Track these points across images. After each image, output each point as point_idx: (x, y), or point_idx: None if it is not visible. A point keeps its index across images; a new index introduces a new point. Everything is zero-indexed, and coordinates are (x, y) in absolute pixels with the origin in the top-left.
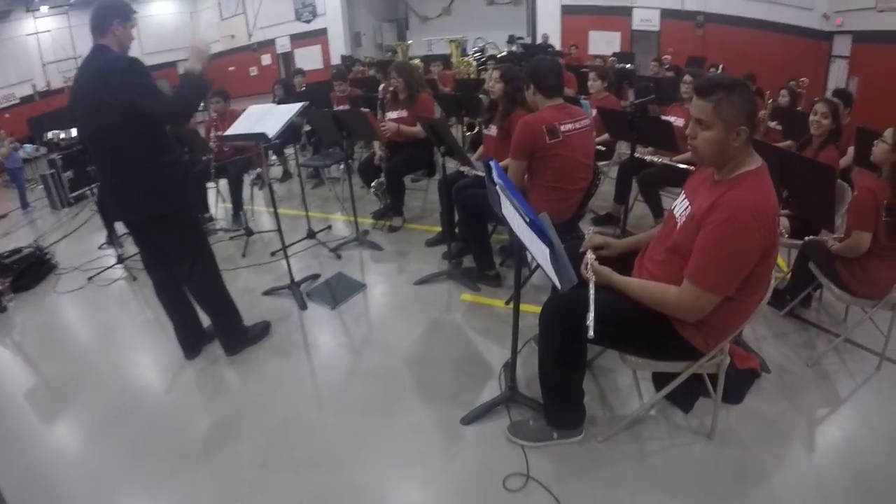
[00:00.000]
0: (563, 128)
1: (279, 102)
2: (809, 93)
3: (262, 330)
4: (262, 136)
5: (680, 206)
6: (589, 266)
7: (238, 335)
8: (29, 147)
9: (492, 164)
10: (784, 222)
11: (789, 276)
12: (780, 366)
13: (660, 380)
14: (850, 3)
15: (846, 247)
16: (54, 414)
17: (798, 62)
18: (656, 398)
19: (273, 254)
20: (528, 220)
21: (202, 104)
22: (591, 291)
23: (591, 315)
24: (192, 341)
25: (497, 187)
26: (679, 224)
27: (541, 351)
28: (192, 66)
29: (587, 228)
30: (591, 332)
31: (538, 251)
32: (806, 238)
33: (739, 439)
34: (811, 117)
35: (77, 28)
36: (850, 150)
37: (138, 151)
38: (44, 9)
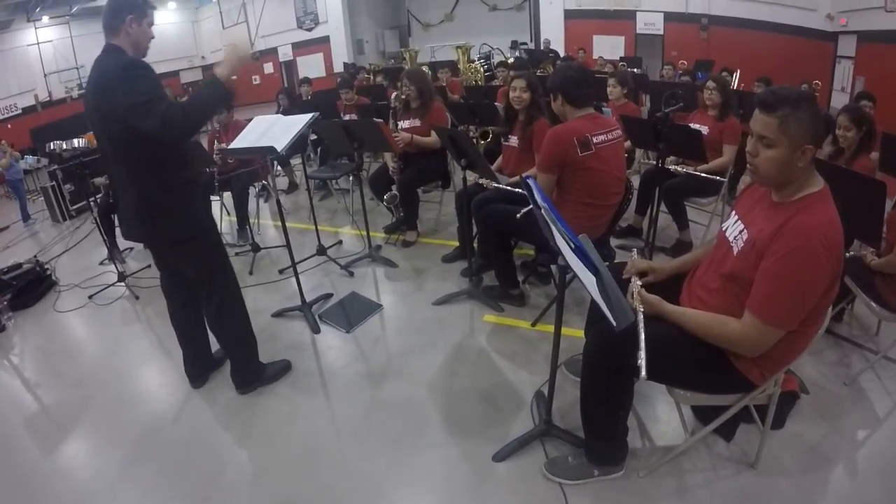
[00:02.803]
0: (595, 139)
1: (284, 112)
2: (821, 95)
3: (281, 370)
4: (270, 149)
5: (733, 228)
6: (636, 295)
7: (253, 372)
8: (30, 158)
9: (531, 182)
10: None
11: None
12: (817, 385)
13: (702, 407)
14: (856, 4)
15: (887, 262)
16: (56, 445)
17: (803, 63)
18: (703, 432)
19: (282, 271)
20: (573, 245)
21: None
22: (641, 325)
23: (642, 353)
24: (199, 370)
25: (542, 211)
26: (736, 250)
27: (584, 386)
28: (221, 71)
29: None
30: (643, 373)
31: (587, 281)
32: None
33: (783, 467)
34: (837, 131)
35: (78, 38)
36: (874, 155)
37: (149, 168)
38: (45, 19)
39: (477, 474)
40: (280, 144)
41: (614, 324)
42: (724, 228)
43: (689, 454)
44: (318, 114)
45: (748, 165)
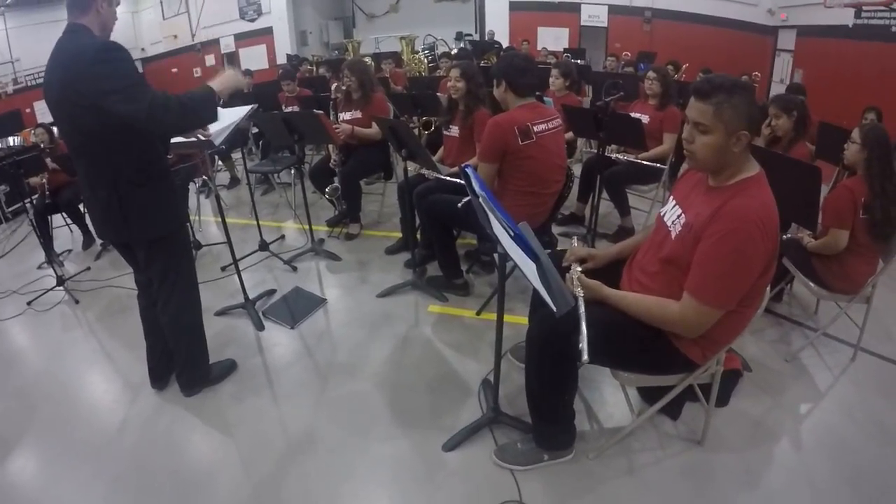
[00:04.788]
0: (536, 128)
1: (224, 105)
2: (760, 86)
3: (226, 370)
4: (207, 143)
5: (671, 212)
6: (576, 281)
7: (200, 373)
8: None
9: (470, 172)
10: None
11: None
12: (760, 363)
13: (647, 388)
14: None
15: (823, 244)
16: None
17: (744, 56)
18: (649, 412)
19: (224, 268)
20: (513, 233)
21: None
22: (581, 310)
23: (583, 337)
24: (161, 369)
25: (481, 200)
26: (674, 234)
27: (529, 372)
28: (216, 85)
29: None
30: (585, 357)
31: (527, 268)
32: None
33: (729, 443)
34: (770, 122)
35: (14, 30)
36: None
37: (120, 161)
38: None
39: (427, 465)
40: (216, 137)
41: (555, 310)
42: (662, 213)
43: (637, 434)
44: (256, 105)
45: (685, 151)
